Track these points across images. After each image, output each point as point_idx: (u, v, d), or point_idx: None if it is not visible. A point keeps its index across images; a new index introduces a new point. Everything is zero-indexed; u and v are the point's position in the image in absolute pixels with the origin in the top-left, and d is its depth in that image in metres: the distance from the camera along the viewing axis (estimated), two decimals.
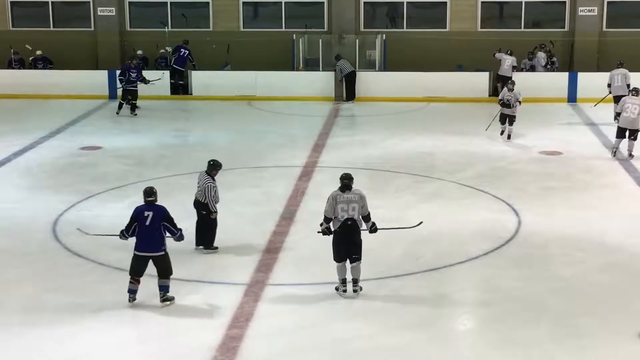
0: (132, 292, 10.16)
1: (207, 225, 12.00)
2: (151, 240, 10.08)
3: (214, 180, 11.89)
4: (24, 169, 16.91)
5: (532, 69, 24.45)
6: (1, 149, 18.12)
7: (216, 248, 12.07)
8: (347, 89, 23.64)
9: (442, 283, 11.04)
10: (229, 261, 11.76)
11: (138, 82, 21.66)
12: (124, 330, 9.71)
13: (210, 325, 9.89)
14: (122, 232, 10.32)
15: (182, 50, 24.35)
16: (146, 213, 10.14)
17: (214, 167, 11.98)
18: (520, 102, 18.73)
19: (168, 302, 10.19)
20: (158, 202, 10.38)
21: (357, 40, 24.88)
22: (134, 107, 21.69)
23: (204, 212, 11.95)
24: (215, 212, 11.91)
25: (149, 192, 10.27)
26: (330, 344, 9.35)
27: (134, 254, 10.18)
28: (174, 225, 10.34)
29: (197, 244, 12.03)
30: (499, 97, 18.96)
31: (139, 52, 25.20)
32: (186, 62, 24.23)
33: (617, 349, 9.19)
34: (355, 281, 10.46)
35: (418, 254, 11.99)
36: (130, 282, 10.16)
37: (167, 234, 10.30)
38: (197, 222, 12.03)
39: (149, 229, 10.08)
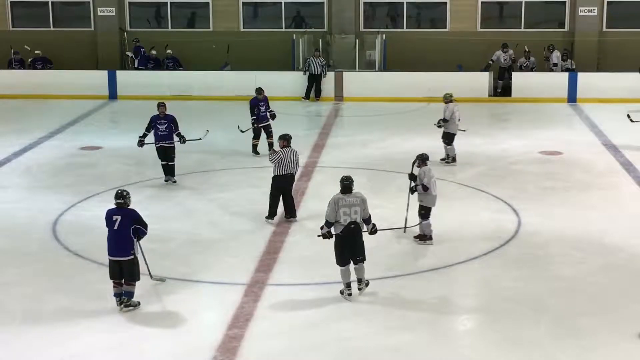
0: (117, 295, 10.11)
1: (292, 196, 13.32)
2: (119, 245, 9.99)
3: None
4: (24, 169, 16.91)
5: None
6: (1, 149, 18.13)
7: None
8: (314, 88, 23.77)
9: (442, 283, 11.04)
10: (229, 261, 11.77)
11: (175, 138, 15.52)
12: (123, 330, 9.70)
13: (210, 325, 9.90)
14: None
15: (141, 49, 24.70)
16: (114, 217, 10.05)
17: (290, 139, 13.19)
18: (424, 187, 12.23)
19: (131, 308, 10.06)
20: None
21: (357, 40, 24.89)
22: (170, 170, 15.49)
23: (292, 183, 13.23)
24: None
25: (118, 195, 10.14)
26: (330, 343, 9.35)
27: (108, 258, 10.13)
28: (145, 225, 10.16)
29: (274, 216, 13.15)
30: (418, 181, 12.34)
31: (153, 52, 25.20)
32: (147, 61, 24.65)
33: (617, 349, 9.19)
34: (359, 280, 10.46)
35: (418, 254, 11.99)
36: (113, 286, 10.12)
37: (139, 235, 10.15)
38: (279, 196, 13.11)
39: (117, 233, 9.99)
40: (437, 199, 12.36)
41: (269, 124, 17.44)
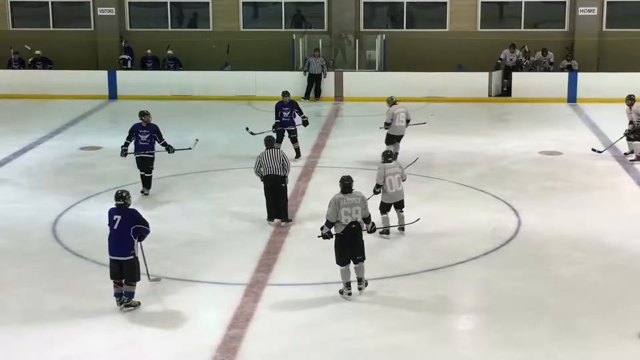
0: (118, 295, 10.11)
1: (284, 198, 13.12)
2: (119, 244, 9.98)
3: None
4: (24, 169, 16.92)
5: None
6: (1, 149, 18.12)
7: (291, 220, 13.12)
8: (314, 88, 23.81)
9: (442, 283, 11.04)
10: (229, 261, 11.77)
11: (155, 148, 14.68)
12: (123, 330, 9.70)
13: (210, 325, 9.91)
14: None
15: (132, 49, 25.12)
16: (115, 217, 10.04)
17: (274, 141, 13.38)
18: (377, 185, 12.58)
19: (132, 308, 10.05)
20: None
21: (357, 40, 24.90)
22: (147, 182, 14.74)
23: (283, 185, 13.02)
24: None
25: (118, 196, 10.11)
26: (330, 344, 9.35)
27: (109, 258, 10.12)
28: (146, 224, 10.16)
29: (272, 218, 13.06)
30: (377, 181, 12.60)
31: (148, 51, 25.22)
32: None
33: (617, 349, 9.19)
34: (359, 280, 10.46)
35: (418, 254, 12.00)
36: (114, 285, 10.12)
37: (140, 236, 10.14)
38: (272, 199, 13.02)
39: (118, 233, 9.99)
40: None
41: (294, 129, 17.00)
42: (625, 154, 17.21)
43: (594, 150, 17.34)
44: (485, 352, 9.25)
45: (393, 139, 16.78)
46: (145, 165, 14.62)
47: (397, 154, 16.38)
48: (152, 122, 14.66)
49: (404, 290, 10.73)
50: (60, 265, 11.74)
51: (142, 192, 14.66)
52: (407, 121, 16.81)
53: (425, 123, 17.69)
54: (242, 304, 10.25)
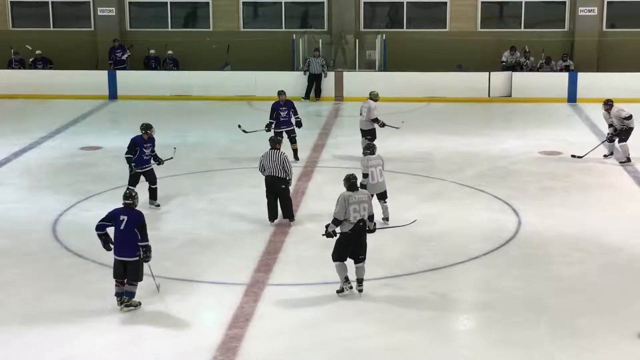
0: (119, 295, 10.10)
1: (287, 198, 13.08)
2: (125, 245, 9.98)
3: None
4: (24, 169, 16.92)
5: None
6: (1, 149, 18.12)
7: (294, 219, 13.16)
8: (315, 88, 23.80)
9: (442, 283, 11.04)
10: (229, 261, 11.77)
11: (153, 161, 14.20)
12: (124, 330, 9.71)
13: (210, 325, 9.91)
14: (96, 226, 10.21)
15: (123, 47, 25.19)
16: (121, 217, 10.02)
17: (278, 142, 13.35)
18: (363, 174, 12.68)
19: (132, 308, 10.05)
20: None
21: (357, 40, 24.91)
22: (154, 194, 14.22)
23: (284, 186, 12.94)
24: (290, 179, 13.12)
25: (127, 195, 10.13)
26: (330, 344, 9.36)
27: (114, 257, 10.12)
28: (145, 235, 10.03)
29: (273, 219, 13.02)
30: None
31: (152, 51, 25.22)
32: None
33: (617, 349, 9.20)
34: (360, 281, 10.45)
35: (418, 254, 12.00)
36: (116, 285, 10.12)
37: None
38: (272, 200, 12.98)
39: (124, 233, 9.98)
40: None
41: (292, 130, 16.83)
42: (605, 155, 17.17)
43: (573, 156, 17.24)
44: (485, 352, 9.26)
45: (363, 133, 16.94)
46: (151, 178, 14.07)
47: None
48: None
49: (404, 290, 10.74)
50: (60, 265, 11.74)
51: (152, 204, 14.10)
52: (375, 120, 16.67)
53: (398, 128, 17.26)
54: (242, 304, 10.25)
